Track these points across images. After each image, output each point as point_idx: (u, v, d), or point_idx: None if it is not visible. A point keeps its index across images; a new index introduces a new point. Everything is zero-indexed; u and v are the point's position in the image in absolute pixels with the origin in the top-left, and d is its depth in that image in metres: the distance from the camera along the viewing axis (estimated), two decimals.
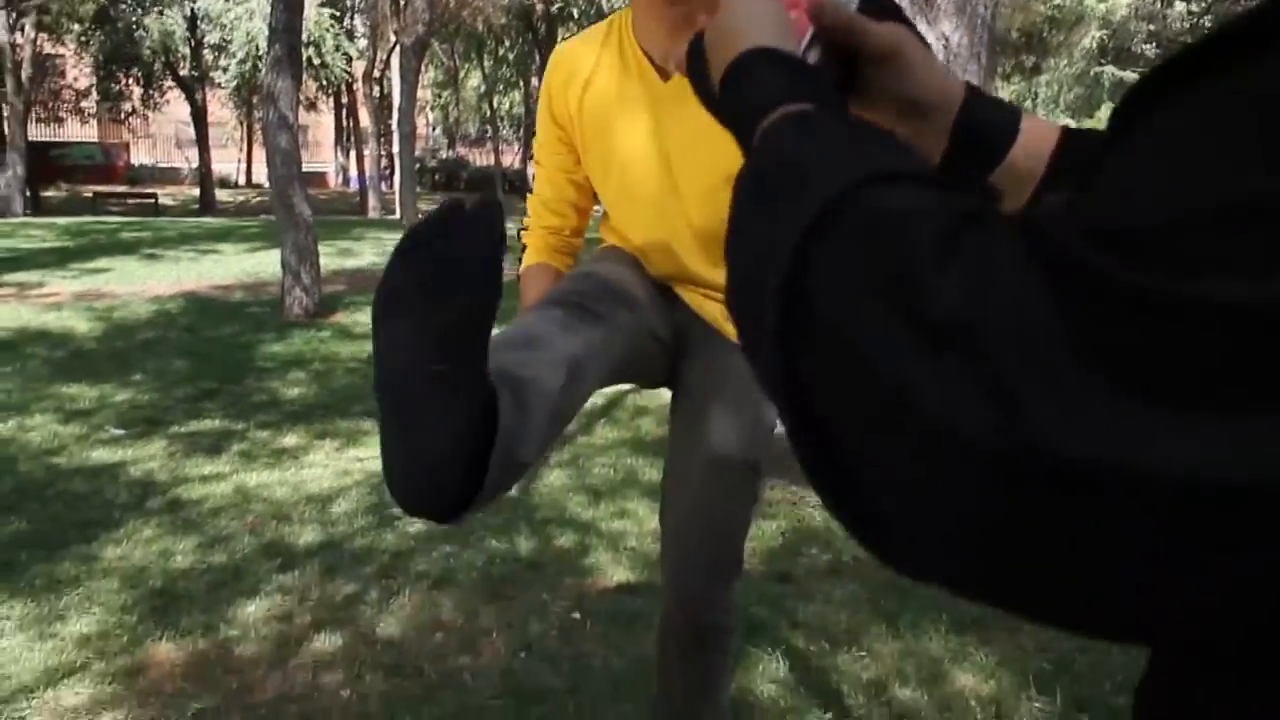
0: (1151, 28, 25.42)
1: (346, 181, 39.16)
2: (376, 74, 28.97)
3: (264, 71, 9.67)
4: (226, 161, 40.36)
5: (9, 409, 5.96)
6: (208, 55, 31.70)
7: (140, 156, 41.95)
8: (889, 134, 0.54)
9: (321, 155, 42.82)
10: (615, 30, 1.80)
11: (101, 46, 31.06)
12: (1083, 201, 0.38)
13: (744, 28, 0.70)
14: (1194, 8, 24.58)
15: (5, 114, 25.47)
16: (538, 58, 29.34)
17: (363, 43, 31.69)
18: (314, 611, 3.33)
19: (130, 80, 33.45)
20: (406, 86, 22.23)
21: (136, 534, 4.00)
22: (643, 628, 3.14)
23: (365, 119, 31.52)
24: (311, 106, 33.57)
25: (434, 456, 1.05)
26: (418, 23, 21.78)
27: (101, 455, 5.09)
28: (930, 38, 4.55)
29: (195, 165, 34.21)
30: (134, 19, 30.10)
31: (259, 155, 35.71)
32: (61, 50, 31.60)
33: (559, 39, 28.63)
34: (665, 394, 1.96)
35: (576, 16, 28.26)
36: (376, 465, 4.77)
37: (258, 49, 26.48)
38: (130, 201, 30.11)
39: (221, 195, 34.50)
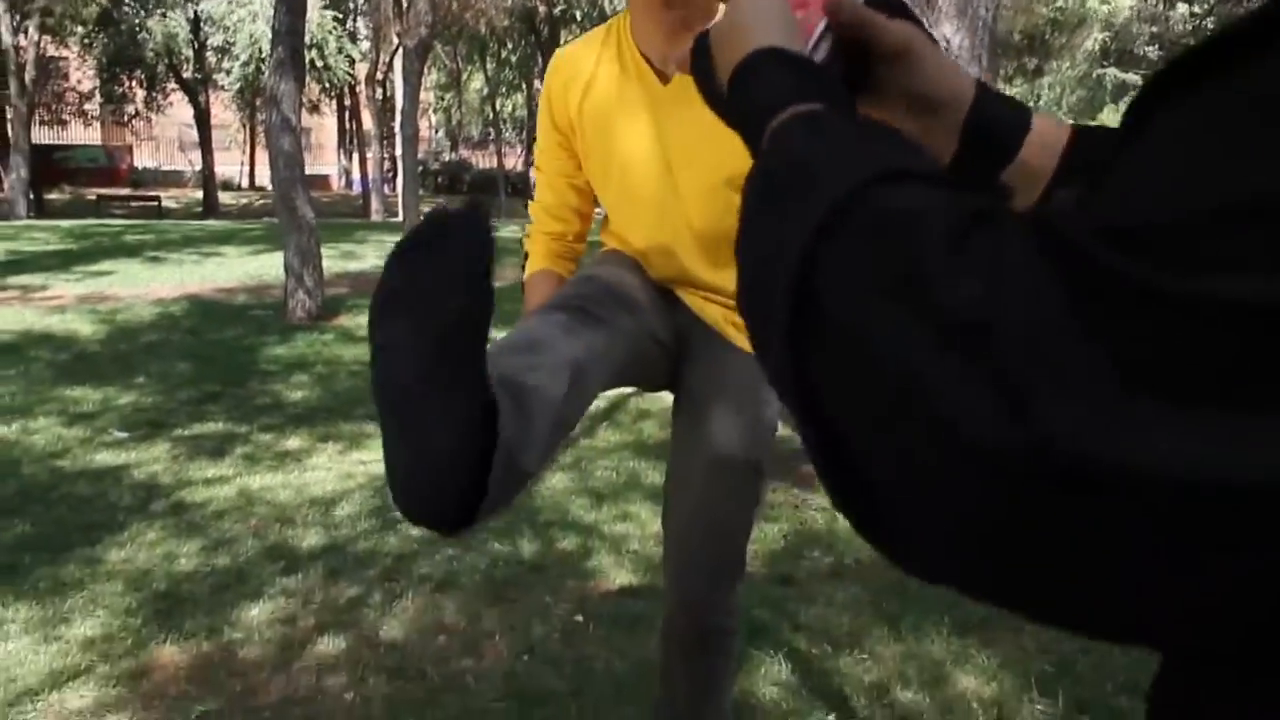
0: (1154, 30, 25.42)
1: (349, 184, 39.17)
2: (379, 76, 28.99)
3: (267, 74, 9.68)
4: (229, 164, 40.37)
5: (13, 412, 5.97)
6: (211, 58, 31.71)
7: (143, 159, 41.97)
8: (898, 133, 0.54)
9: (324, 158, 42.83)
10: (614, 34, 1.81)
11: (105, 49, 31.11)
12: (1094, 200, 0.38)
13: (751, 27, 0.69)
14: (1196, 9, 24.58)
15: (9, 117, 25.54)
16: (540, 60, 29.33)
17: (365, 45, 31.70)
18: (317, 614, 3.34)
19: (133, 83, 33.50)
20: (409, 89, 22.21)
21: (140, 537, 4.01)
22: (645, 630, 3.14)
23: (368, 121, 31.59)
24: (314, 109, 33.65)
25: (435, 460, 1.05)
26: (420, 25, 21.78)
27: (105, 458, 5.10)
28: None
29: (198, 168, 34.21)
30: (137, 21, 30.14)
31: (262, 158, 35.71)
32: (65, 53, 31.65)
33: (561, 41, 28.63)
34: (667, 397, 1.97)
35: (579, 19, 28.27)
36: (379, 468, 4.78)
37: (261, 51, 26.50)
38: (133, 204, 30.14)
39: (224, 198, 34.53)
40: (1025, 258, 0.38)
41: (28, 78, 24.98)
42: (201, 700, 2.82)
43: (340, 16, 30.99)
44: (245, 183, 41.17)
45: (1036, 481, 0.35)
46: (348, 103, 36.23)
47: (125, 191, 34.18)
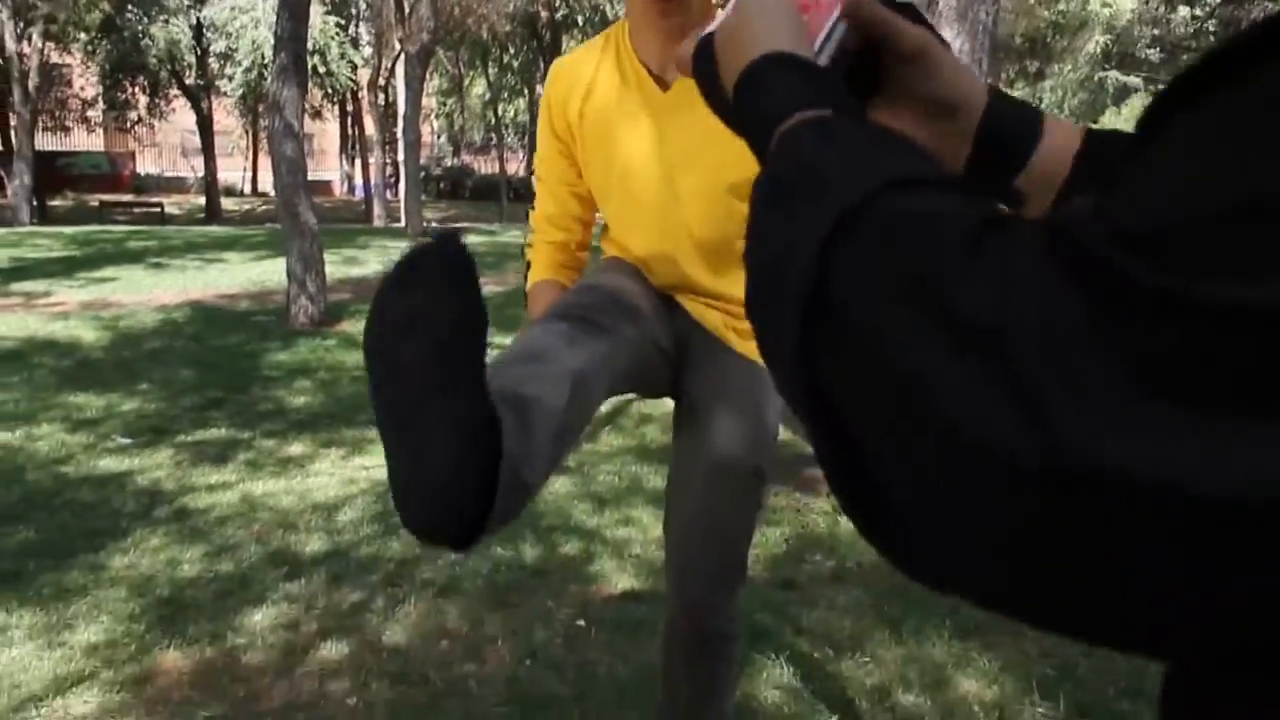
0: (1155, 32, 25.42)
1: (351, 190, 39.16)
2: (381, 82, 29.04)
3: (269, 80, 9.68)
4: (232, 170, 40.36)
5: (16, 418, 5.98)
6: (213, 64, 31.71)
7: (146, 165, 41.95)
8: (908, 139, 0.54)
9: (327, 163, 42.86)
10: (613, 42, 1.82)
11: (108, 55, 31.13)
12: (1108, 204, 0.38)
13: (757, 31, 0.68)
14: (1198, 12, 24.57)
15: (12, 124, 25.53)
16: (542, 65, 29.34)
17: (368, 51, 31.75)
18: (320, 620, 3.35)
19: (136, 89, 33.52)
20: (411, 94, 22.26)
21: (144, 543, 4.02)
22: (647, 635, 3.15)
23: (370, 127, 31.60)
24: (317, 115, 33.65)
25: (440, 478, 1.05)
26: (422, 30, 21.83)
27: (108, 464, 5.12)
28: None
29: (201, 174, 34.21)
30: (140, 28, 30.13)
31: (264, 164, 35.78)
32: (68, 59, 31.66)
33: (563, 46, 28.68)
34: (670, 401, 1.97)
35: (581, 24, 28.31)
36: (382, 474, 4.79)
37: (263, 57, 26.54)
38: (136, 210, 30.13)
39: (227, 204, 34.52)
40: (1040, 263, 0.38)
41: (31, 85, 24.98)
42: (205, 706, 2.83)
43: (343, 22, 31.01)
44: (248, 188, 41.16)
45: (1051, 488, 0.35)
46: (350, 108, 36.25)
47: (128, 198, 34.12)
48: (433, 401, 1.03)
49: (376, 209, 27.57)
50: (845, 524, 4.02)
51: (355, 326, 9.56)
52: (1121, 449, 0.34)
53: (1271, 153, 0.34)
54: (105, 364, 7.74)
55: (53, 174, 32.94)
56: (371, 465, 5.12)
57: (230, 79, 30.85)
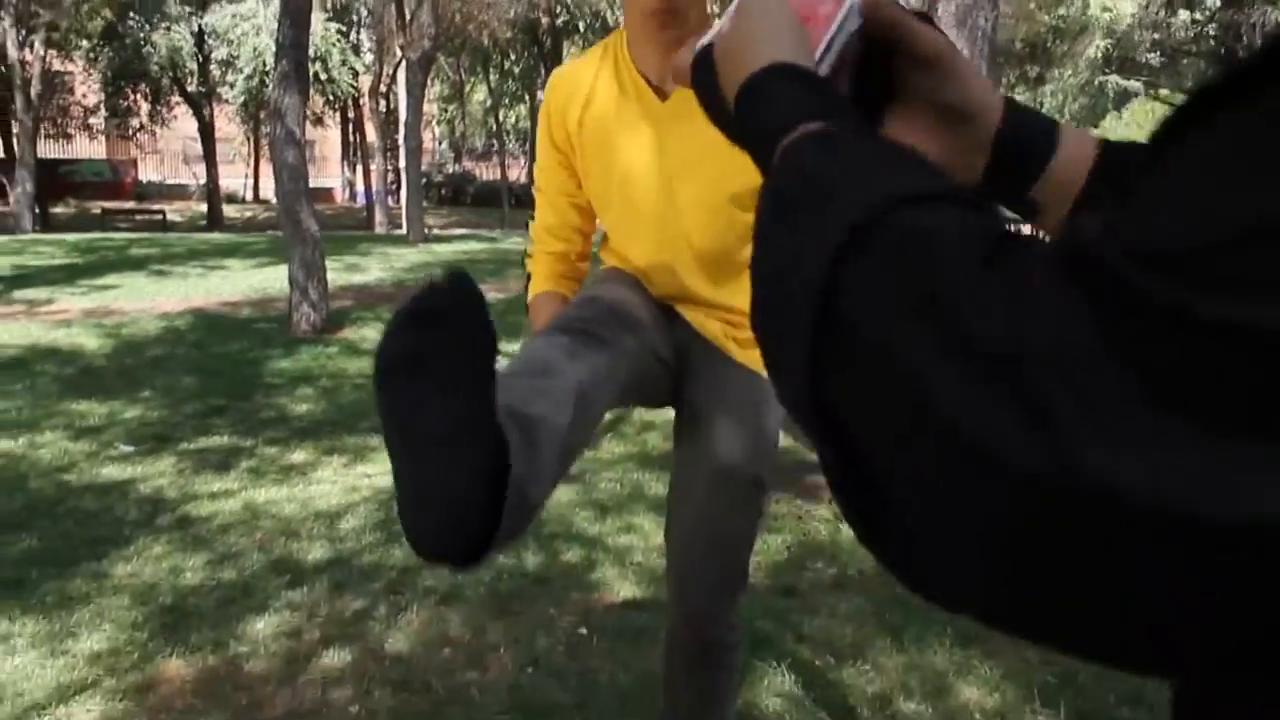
0: (1156, 36, 25.41)
1: (353, 196, 39.23)
2: (383, 89, 29.07)
3: (271, 87, 9.71)
4: (234, 177, 40.43)
5: (19, 426, 6.00)
6: (215, 71, 31.78)
7: (148, 173, 42.03)
8: (914, 152, 0.53)
9: (328, 170, 42.88)
10: (611, 52, 1.83)
11: (110, 63, 31.19)
12: (1123, 220, 0.37)
13: (759, 41, 0.67)
14: (1198, 16, 24.58)
15: (14, 131, 25.58)
16: (543, 71, 29.39)
17: (369, 58, 31.82)
18: (323, 627, 3.36)
19: (138, 96, 33.58)
20: (413, 101, 22.31)
21: (146, 551, 4.03)
22: (649, 643, 3.15)
23: (371, 134, 31.63)
24: (318, 122, 33.70)
25: (449, 501, 1.05)
26: (424, 37, 21.88)
27: (111, 472, 5.13)
28: None
29: (203, 181, 34.27)
30: (142, 35, 30.21)
31: (266, 171, 35.81)
32: (70, 67, 31.71)
33: (564, 52, 28.73)
34: (672, 408, 1.98)
35: (582, 30, 28.36)
36: (384, 481, 4.81)
37: (265, 65, 26.62)
38: (138, 218, 30.19)
39: (229, 211, 34.58)
40: (1053, 280, 0.37)
41: (33, 92, 25.04)
42: (207, 714, 2.83)
43: (344, 29, 31.10)
44: (249, 196, 41.22)
45: (1061, 505, 0.35)
46: (351, 115, 36.34)
47: (130, 205, 34.21)
48: (441, 437, 1.03)
49: (378, 216, 27.60)
50: (846, 531, 4.02)
51: (357, 333, 9.58)
52: (1132, 468, 0.33)
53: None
54: (108, 372, 7.76)
55: (55, 181, 32.99)
56: (374, 473, 5.12)
57: (232, 86, 30.92)
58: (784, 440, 1.96)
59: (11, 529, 4.24)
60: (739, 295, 1.79)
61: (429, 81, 26.41)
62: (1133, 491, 0.33)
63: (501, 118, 36.63)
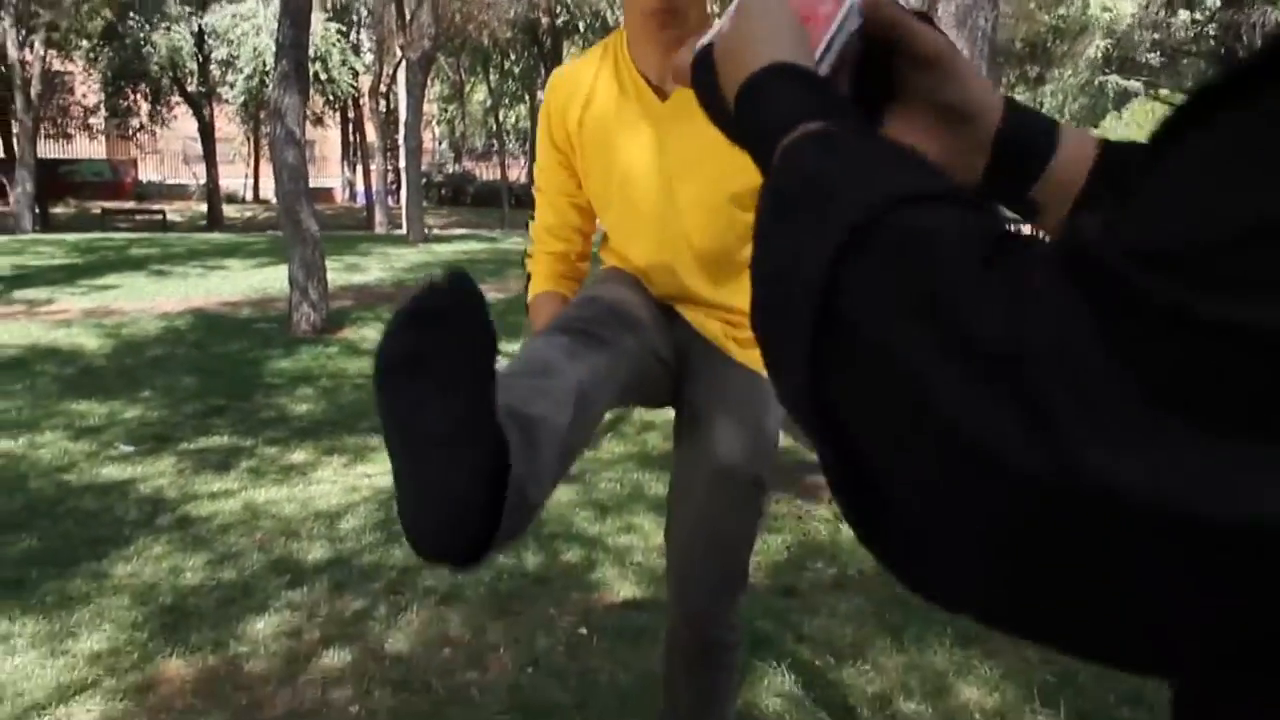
0: (1156, 36, 25.42)
1: (353, 196, 39.24)
2: (383, 89, 29.08)
3: (271, 87, 9.71)
4: (234, 177, 40.43)
5: (19, 426, 6.00)
6: (215, 71, 31.80)
7: (148, 173, 42.03)
8: (914, 152, 0.53)
9: (328, 170, 42.88)
10: (611, 52, 1.83)
11: (110, 63, 31.21)
12: (1123, 220, 0.37)
13: (758, 41, 0.66)
14: (1198, 16, 24.58)
15: (14, 131, 25.59)
16: (543, 71, 29.40)
17: (369, 57, 31.83)
18: (323, 627, 3.36)
19: (138, 96, 33.59)
20: (413, 101, 22.31)
21: (146, 551, 4.03)
22: (649, 643, 3.15)
23: (371, 134, 31.64)
24: (318, 122, 33.70)
25: (449, 502, 1.05)
26: (424, 37, 21.88)
27: (111, 472, 5.13)
28: None
29: (203, 181, 34.29)
30: (142, 35, 30.22)
31: (266, 171, 35.81)
32: (70, 67, 31.72)
33: (564, 52, 28.73)
34: (671, 409, 1.98)
35: (582, 30, 28.36)
36: (384, 481, 4.81)
37: (265, 65, 26.63)
38: (138, 218, 30.20)
39: (229, 211, 34.58)
40: (1053, 280, 0.37)
41: (33, 92, 25.05)
42: (207, 714, 2.83)
43: (344, 29, 31.11)
44: (249, 196, 41.23)
45: (1061, 505, 0.35)
46: (351, 115, 36.35)
47: (130, 205, 34.22)
48: (441, 436, 1.03)
49: (378, 216, 27.61)
50: (846, 531, 4.02)
51: (357, 334, 9.58)
52: (1132, 468, 0.33)
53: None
54: (108, 372, 7.76)
55: (55, 181, 33.00)
56: (374, 473, 5.12)
57: (232, 86, 30.94)
58: (784, 440, 1.96)
59: (11, 529, 4.24)
60: (739, 295, 1.80)
61: (429, 81, 26.41)
62: (1133, 491, 0.33)
63: (501, 118, 36.64)
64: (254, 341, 9.16)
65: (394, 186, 31.09)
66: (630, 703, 2.88)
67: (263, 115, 29.78)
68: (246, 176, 41.36)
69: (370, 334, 9.54)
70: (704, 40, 0.74)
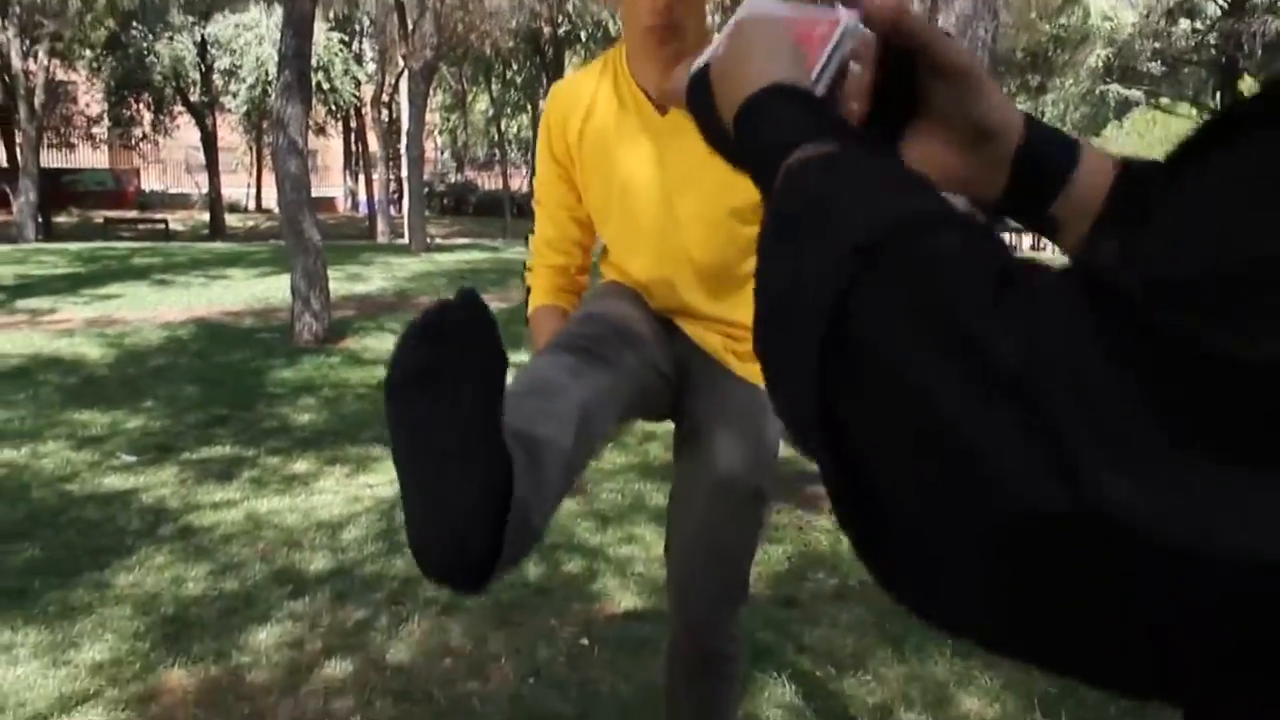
0: (1157, 45, 25.46)
1: (355, 206, 39.29)
2: (385, 98, 29.17)
3: (274, 97, 9.73)
4: (236, 186, 40.47)
5: (22, 436, 6.01)
6: (218, 81, 31.91)
7: (150, 182, 42.07)
8: (917, 175, 0.52)
9: (330, 180, 42.93)
10: (610, 66, 1.85)
11: (113, 72, 31.32)
12: (1140, 249, 0.37)
13: (756, 62, 0.66)
14: (1199, 25, 24.63)
15: (18, 141, 25.68)
16: (545, 81, 29.45)
17: (371, 67, 31.93)
18: (325, 638, 3.36)
19: (141, 106, 33.69)
20: (415, 110, 22.35)
21: (149, 561, 4.03)
22: (650, 653, 3.15)
23: (374, 143, 31.70)
24: (320, 131, 33.76)
25: (454, 526, 1.06)
26: (426, 47, 21.93)
27: (113, 482, 5.13)
28: None
29: (205, 190, 34.35)
30: (145, 45, 30.32)
31: (268, 180, 35.76)
32: (73, 76, 31.84)
33: (566, 62, 28.78)
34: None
35: (584, 39, 28.41)
36: (386, 491, 4.82)
37: (267, 74, 26.69)
38: (141, 227, 30.24)
39: (231, 220, 34.60)
40: (1069, 309, 0.37)
41: (37, 102, 25.14)
42: None
43: (346, 39, 31.19)
44: (252, 205, 41.23)
45: (1074, 535, 0.34)
46: (354, 125, 36.41)
47: (132, 214, 34.22)
48: (450, 450, 1.04)
49: (380, 225, 27.65)
50: (847, 542, 4.02)
51: (359, 343, 9.59)
52: (1148, 500, 0.33)
53: None
54: (110, 381, 7.77)
55: (58, 190, 33.04)
56: (376, 483, 5.13)
57: (234, 95, 31.05)
58: (785, 450, 1.97)
59: (14, 539, 4.25)
60: (739, 309, 1.81)
61: (431, 91, 26.45)
62: (1147, 523, 0.33)
63: (503, 127, 36.68)
64: (256, 351, 9.17)
65: (396, 196, 31.14)
66: (631, 714, 2.88)
67: (265, 125, 29.88)
68: (249, 186, 41.39)
69: (372, 344, 9.56)
70: (698, 63, 0.74)
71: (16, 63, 24.49)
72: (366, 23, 31.92)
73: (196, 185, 39.44)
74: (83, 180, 37.32)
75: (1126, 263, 0.37)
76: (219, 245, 24.12)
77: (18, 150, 25.79)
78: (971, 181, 0.72)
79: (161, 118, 34.15)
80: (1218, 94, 24.04)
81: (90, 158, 37.97)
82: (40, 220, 25.27)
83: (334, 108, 31.92)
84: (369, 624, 3.47)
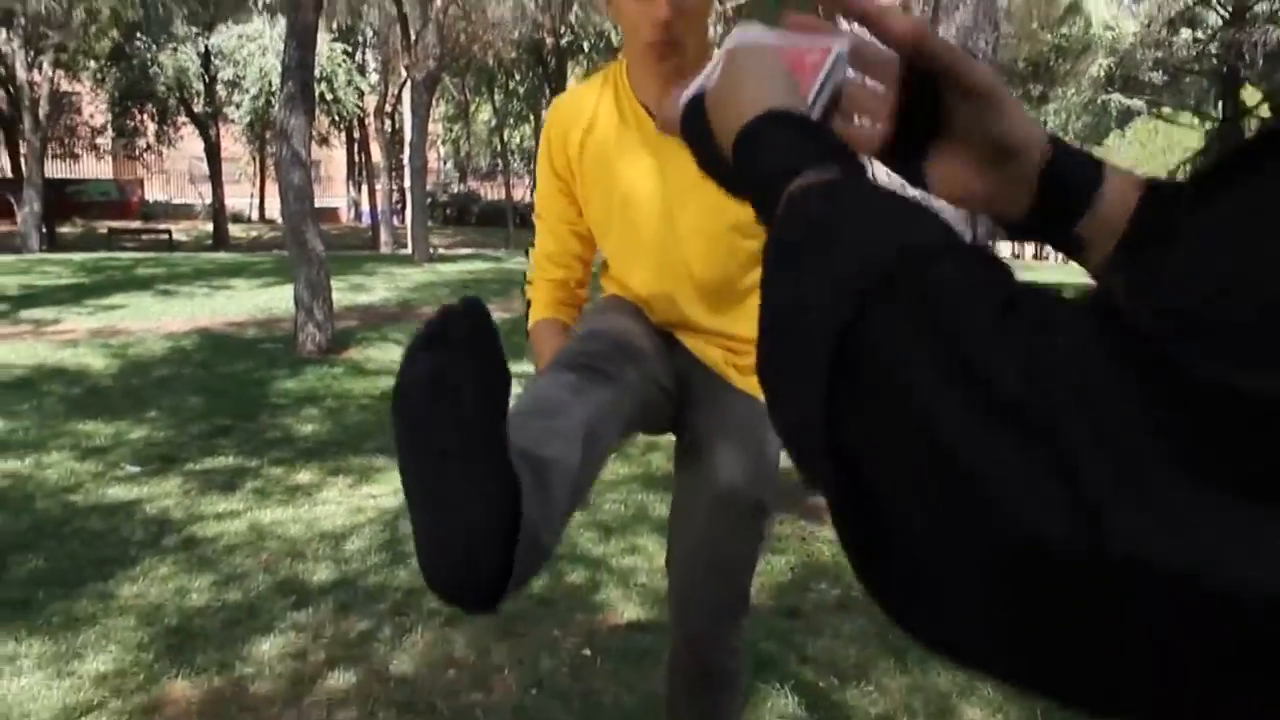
0: (1158, 55, 25.47)
1: (358, 216, 39.38)
2: (388, 109, 29.22)
3: (277, 108, 9.77)
4: (239, 197, 40.61)
5: (26, 446, 6.02)
6: (221, 91, 32.00)
7: (154, 192, 42.21)
8: (918, 202, 0.51)
9: (333, 190, 43.07)
10: (611, 81, 1.85)
11: (117, 83, 31.41)
12: (1156, 279, 0.37)
13: (751, 89, 0.66)
14: (1200, 35, 24.64)
15: (23, 151, 25.76)
16: (548, 91, 29.53)
17: (374, 78, 31.99)
18: (328, 649, 3.37)
19: (145, 116, 33.80)
20: (418, 121, 22.41)
21: (152, 571, 4.04)
22: (653, 664, 3.16)
23: (377, 154, 31.75)
24: (323, 141, 33.85)
25: (463, 548, 1.05)
26: (429, 57, 21.99)
27: (117, 492, 5.14)
28: None
29: (208, 201, 34.44)
30: (149, 56, 30.42)
31: (272, 190, 35.89)
32: (78, 87, 31.95)
33: (569, 72, 28.83)
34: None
35: (586, 50, 28.48)
36: (389, 502, 4.82)
37: (271, 85, 26.77)
38: (144, 237, 30.33)
39: (234, 230, 34.69)
40: (1081, 338, 0.36)
41: (41, 112, 25.23)
42: None
43: (350, 50, 31.25)
44: (255, 215, 41.35)
45: (1089, 574, 0.34)
46: (357, 135, 36.47)
47: (136, 224, 34.38)
48: (456, 467, 1.04)
49: (383, 235, 27.72)
50: None
51: (362, 354, 9.61)
52: (1161, 536, 0.32)
53: None
54: (114, 392, 7.79)
55: (62, 201, 33.15)
56: (379, 494, 5.13)
57: (238, 106, 31.12)
58: (787, 461, 1.97)
59: (18, 549, 4.26)
60: (739, 322, 1.81)
61: (434, 101, 26.50)
62: (1160, 559, 0.32)
63: (506, 137, 36.76)
64: (259, 362, 9.19)
65: (399, 206, 31.22)
66: None
67: (269, 135, 29.93)
68: (252, 196, 41.50)
69: (375, 354, 9.57)
70: (690, 90, 0.74)
71: (21, 74, 24.59)
72: (370, 33, 32.00)
73: (200, 196, 39.55)
74: (87, 191, 37.47)
75: (1141, 292, 0.36)
76: (222, 255, 24.16)
77: (22, 161, 25.88)
78: (995, 200, 0.72)
79: (165, 128, 34.26)
80: (1219, 103, 24.05)
81: (94, 168, 38.15)
82: (44, 231, 25.36)
83: (337, 118, 31.99)
84: (372, 635, 3.48)
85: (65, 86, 30.36)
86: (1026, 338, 0.38)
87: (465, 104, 36.80)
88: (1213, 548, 0.32)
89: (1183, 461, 0.32)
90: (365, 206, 37.04)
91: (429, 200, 28.25)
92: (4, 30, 24.61)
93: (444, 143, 43.55)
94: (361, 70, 32.62)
